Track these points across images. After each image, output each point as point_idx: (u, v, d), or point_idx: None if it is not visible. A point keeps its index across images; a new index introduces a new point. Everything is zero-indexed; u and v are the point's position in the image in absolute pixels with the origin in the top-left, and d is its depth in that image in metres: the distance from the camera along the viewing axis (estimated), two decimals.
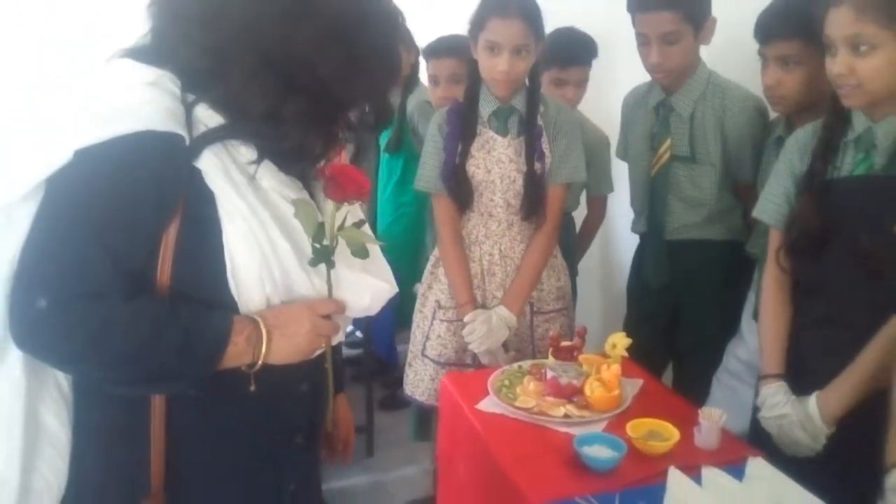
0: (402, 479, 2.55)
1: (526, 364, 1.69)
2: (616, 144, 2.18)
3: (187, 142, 0.89)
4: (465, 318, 1.87)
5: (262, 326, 0.92)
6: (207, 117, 0.90)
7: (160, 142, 0.86)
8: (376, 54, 0.92)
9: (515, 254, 1.92)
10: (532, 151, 1.86)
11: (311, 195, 1.01)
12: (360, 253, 1.00)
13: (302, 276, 0.96)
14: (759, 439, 1.49)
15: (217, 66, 0.87)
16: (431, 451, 2.12)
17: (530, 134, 1.86)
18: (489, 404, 1.53)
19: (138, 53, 0.92)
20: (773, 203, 1.51)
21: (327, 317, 1.00)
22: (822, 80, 1.52)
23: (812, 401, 1.38)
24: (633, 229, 2.09)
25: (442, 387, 1.71)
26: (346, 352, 3.12)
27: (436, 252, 2.01)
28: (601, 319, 2.69)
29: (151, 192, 0.87)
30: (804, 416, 1.37)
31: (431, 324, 1.98)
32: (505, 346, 1.88)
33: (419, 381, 2.01)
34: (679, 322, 1.98)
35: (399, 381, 2.84)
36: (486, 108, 1.87)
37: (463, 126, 1.88)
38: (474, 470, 1.49)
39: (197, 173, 0.90)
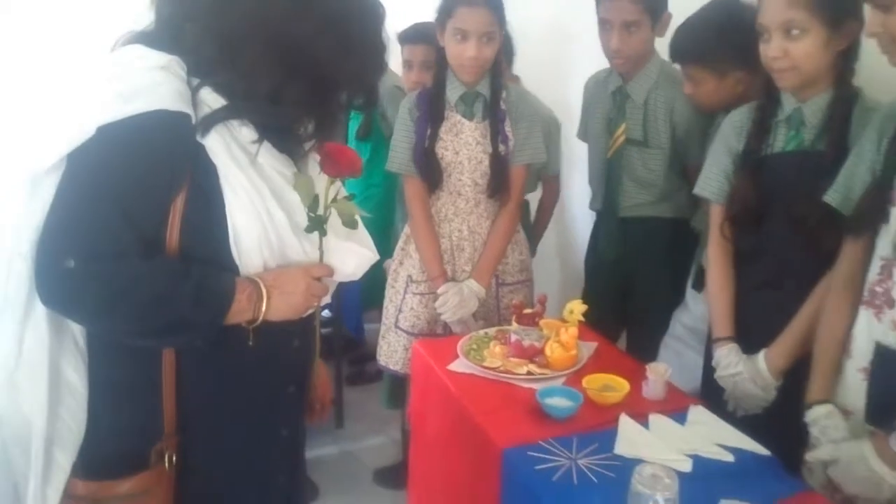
0: (370, 448, 2.68)
1: (492, 330, 1.83)
2: (577, 126, 2.31)
3: (194, 120, 0.98)
4: (439, 291, 2.00)
5: (262, 286, 1.02)
6: (212, 100, 1.00)
7: (171, 119, 0.95)
8: (366, 41, 1.03)
9: (482, 230, 2.05)
10: (497, 134, 1.98)
11: (301, 171, 1.11)
12: (351, 223, 1.12)
13: (295, 243, 1.07)
14: (709, 397, 1.65)
15: (225, 52, 0.97)
16: (402, 417, 2.24)
17: (495, 118, 1.98)
18: (459, 365, 1.67)
19: (147, 39, 1.01)
20: (713, 180, 1.65)
21: (318, 280, 1.10)
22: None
23: (760, 358, 1.53)
24: (591, 206, 2.21)
25: (414, 351, 1.84)
26: None
27: (406, 230, 2.13)
28: (560, 290, 2.84)
29: (164, 165, 0.96)
30: (755, 372, 1.52)
31: (404, 297, 2.11)
32: (474, 315, 2.02)
33: (392, 351, 2.13)
34: (631, 292, 2.12)
35: (366, 358, 2.97)
36: (453, 93, 1.99)
37: (432, 110, 1.99)
38: (445, 423, 1.62)
39: (202, 149, 0.99)
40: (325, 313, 3.09)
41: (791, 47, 1.40)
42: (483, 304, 2.04)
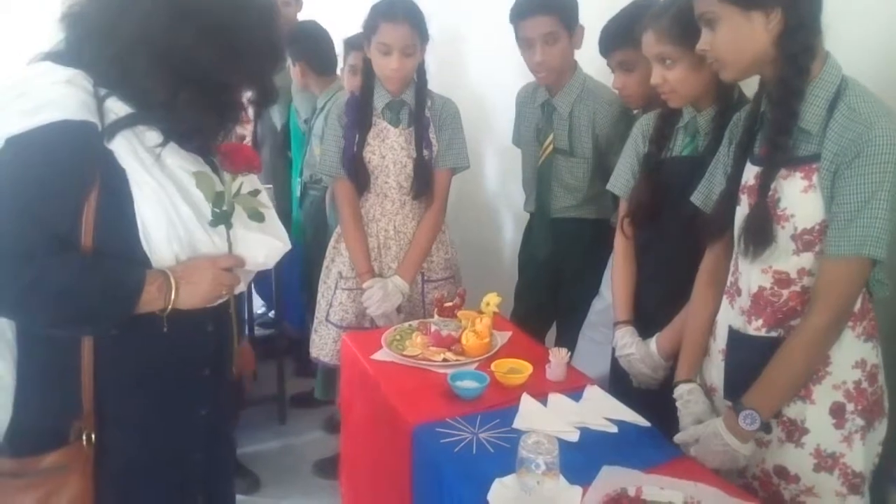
0: (311, 441, 2.77)
1: (415, 322, 1.96)
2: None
3: (100, 128, 1.08)
4: (364, 286, 2.11)
5: (171, 277, 1.12)
6: (118, 108, 1.10)
7: (76, 129, 1.05)
8: (254, 43, 1.12)
9: (408, 229, 2.18)
10: (420, 140, 2.11)
11: (213, 168, 1.21)
12: (256, 216, 1.22)
13: (204, 236, 1.16)
14: (617, 376, 1.80)
15: (119, 67, 1.06)
16: (334, 407, 2.35)
17: (419, 124, 2.11)
18: (382, 355, 1.79)
19: (55, 57, 1.10)
20: (622, 178, 1.80)
21: (229, 270, 1.21)
22: None
23: (652, 342, 1.68)
24: (525, 208, 2.33)
25: (343, 344, 1.95)
26: (259, 331, 3.31)
27: (338, 229, 2.24)
28: (491, 285, 2.94)
29: (70, 169, 1.05)
30: (645, 354, 1.68)
31: (334, 293, 2.22)
32: (399, 309, 2.13)
33: (323, 344, 2.24)
34: (560, 286, 2.25)
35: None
36: (379, 101, 2.11)
37: (360, 118, 2.11)
38: (368, 408, 1.74)
39: (110, 154, 1.08)
40: (271, 315, 3.19)
41: (668, 74, 1.56)
42: (409, 299, 2.16)
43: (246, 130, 2.97)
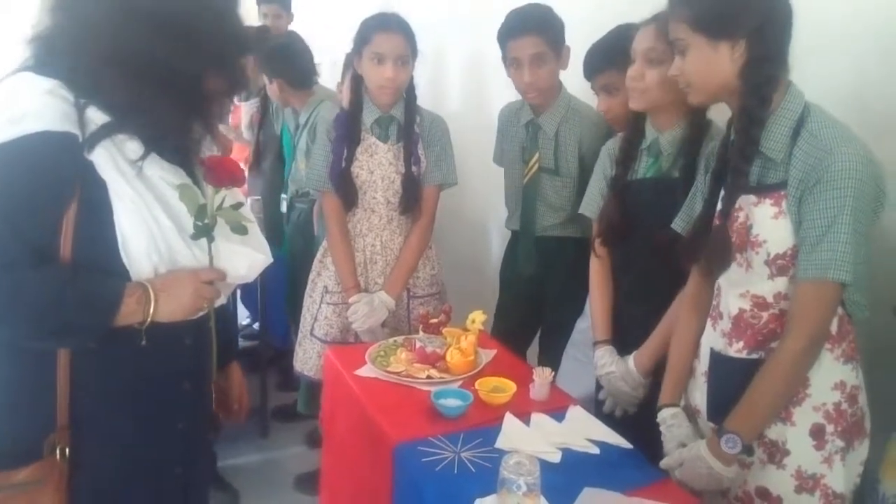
0: (293, 455, 2.75)
1: (400, 338, 1.95)
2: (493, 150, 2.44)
3: (80, 139, 1.06)
4: (350, 300, 2.11)
5: (150, 290, 1.11)
6: (97, 118, 1.08)
7: (55, 139, 1.04)
8: (212, 30, 1.09)
9: (395, 245, 2.17)
10: (409, 156, 2.11)
11: (196, 181, 1.20)
12: (239, 229, 1.21)
13: (184, 249, 1.15)
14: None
15: (89, 78, 1.06)
16: (316, 422, 2.32)
17: (409, 140, 2.11)
18: (366, 371, 1.77)
19: (35, 68, 1.09)
20: (592, 200, 1.83)
21: (210, 283, 1.19)
22: None
23: (630, 359, 1.70)
24: (507, 225, 2.32)
25: (326, 358, 1.94)
26: (243, 343, 3.29)
27: (324, 243, 2.23)
28: (475, 302, 2.95)
29: (50, 181, 1.04)
30: (625, 372, 1.69)
31: (319, 307, 2.21)
32: (384, 325, 2.13)
33: (307, 358, 2.22)
34: (543, 304, 2.25)
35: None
36: (368, 117, 2.11)
37: (349, 133, 2.10)
38: (350, 423, 1.72)
39: (90, 165, 1.07)
40: (255, 326, 3.17)
41: (648, 72, 1.56)
42: (394, 314, 2.15)
43: (243, 139, 2.97)
